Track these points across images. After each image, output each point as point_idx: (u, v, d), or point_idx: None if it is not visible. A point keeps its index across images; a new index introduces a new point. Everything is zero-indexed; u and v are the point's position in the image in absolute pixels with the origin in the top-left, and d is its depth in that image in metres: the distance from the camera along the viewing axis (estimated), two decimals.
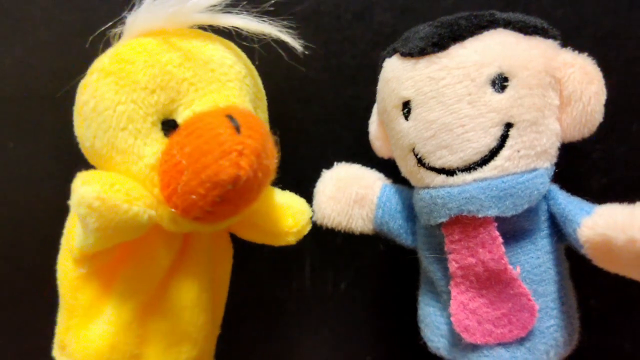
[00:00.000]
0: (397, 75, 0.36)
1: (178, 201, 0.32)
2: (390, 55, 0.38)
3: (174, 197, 0.32)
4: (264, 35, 0.37)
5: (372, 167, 0.42)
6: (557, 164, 0.36)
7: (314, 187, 0.41)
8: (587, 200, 0.35)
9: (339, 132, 0.47)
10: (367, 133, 0.42)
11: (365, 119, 0.43)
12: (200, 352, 0.39)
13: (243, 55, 0.39)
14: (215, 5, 0.36)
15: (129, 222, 0.31)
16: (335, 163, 0.42)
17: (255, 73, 0.40)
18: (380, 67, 0.38)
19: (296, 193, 0.42)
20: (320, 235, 0.42)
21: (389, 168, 0.41)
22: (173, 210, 0.33)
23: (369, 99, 0.41)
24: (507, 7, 0.43)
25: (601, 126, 0.36)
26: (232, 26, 0.36)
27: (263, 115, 0.40)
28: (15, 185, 0.48)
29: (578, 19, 0.44)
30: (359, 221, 0.40)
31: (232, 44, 0.38)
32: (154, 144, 0.34)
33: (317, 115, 0.48)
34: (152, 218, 0.32)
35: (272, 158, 0.33)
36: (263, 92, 0.40)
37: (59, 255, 0.38)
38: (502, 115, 0.33)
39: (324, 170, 0.42)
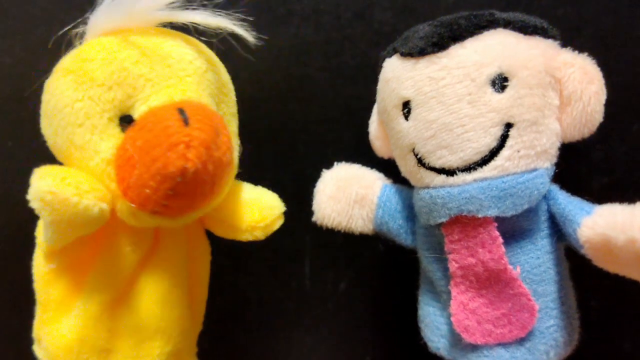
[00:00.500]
0: (397, 75, 0.36)
1: (133, 195, 0.33)
2: (390, 55, 0.37)
3: (129, 191, 0.33)
4: (220, 29, 0.37)
5: (372, 167, 0.42)
6: (557, 164, 0.36)
7: (314, 187, 0.41)
8: (588, 200, 0.35)
9: (339, 132, 0.47)
10: (367, 133, 0.42)
11: (365, 119, 0.43)
12: (176, 348, 0.39)
13: (207, 51, 0.39)
14: (173, 2, 0.36)
15: (81, 215, 0.32)
16: (335, 163, 0.42)
17: (221, 69, 0.39)
18: (381, 67, 0.38)
19: (296, 193, 0.42)
20: (320, 235, 0.42)
21: (389, 168, 0.41)
22: (131, 204, 0.33)
23: (369, 98, 0.41)
24: (508, 7, 0.43)
25: (601, 126, 0.36)
26: (190, 22, 0.37)
27: (229, 110, 0.40)
28: (14, 184, 0.48)
29: (578, 19, 0.44)
30: (359, 221, 0.40)
31: (195, 41, 0.39)
32: (111, 140, 0.34)
33: (317, 115, 0.47)
34: (104, 211, 0.33)
35: (225, 151, 0.33)
36: (229, 87, 0.40)
37: (35, 251, 0.39)
38: (502, 115, 0.33)
39: (324, 170, 0.42)
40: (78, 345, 0.36)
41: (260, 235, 0.40)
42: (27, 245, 0.42)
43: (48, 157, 0.41)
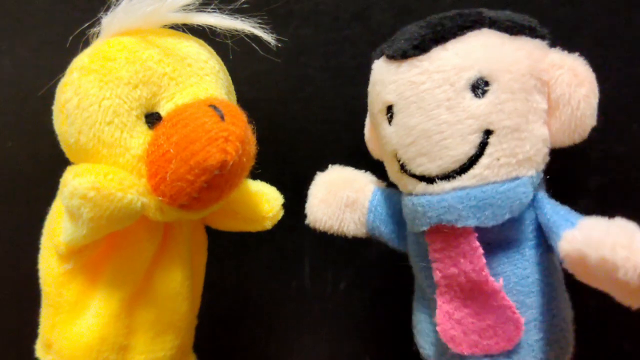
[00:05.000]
0: (382, 78, 0.35)
1: (166, 189, 0.33)
2: (378, 57, 0.37)
3: (162, 186, 0.34)
4: (237, 31, 0.38)
5: (372, 168, 0.42)
6: (555, 164, 0.35)
7: None
8: (586, 200, 0.35)
9: (339, 132, 0.47)
10: None
11: (364, 120, 0.43)
12: (183, 341, 0.40)
13: (214, 52, 0.40)
14: (188, 5, 0.37)
15: (123, 210, 0.32)
16: (334, 164, 0.42)
17: (225, 69, 0.41)
18: (371, 68, 0.38)
19: (296, 193, 0.42)
20: (320, 235, 0.42)
21: (385, 170, 0.41)
22: (160, 198, 0.34)
23: None
24: (508, 7, 0.43)
25: (600, 126, 0.35)
26: (206, 24, 0.38)
27: None
28: (14, 184, 0.48)
29: (578, 19, 0.43)
30: (351, 225, 0.40)
31: (203, 42, 0.40)
32: (140, 136, 0.35)
33: (317, 115, 0.48)
34: (145, 205, 0.34)
35: (252, 145, 0.35)
36: (232, 86, 0.41)
37: (40, 254, 0.39)
38: (481, 121, 0.32)
39: (318, 172, 0.41)
40: (99, 344, 0.36)
41: (268, 225, 0.42)
42: (28, 245, 0.42)
43: (48, 158, 0.41)
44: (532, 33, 0.34)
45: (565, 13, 0.44)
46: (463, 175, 0.32)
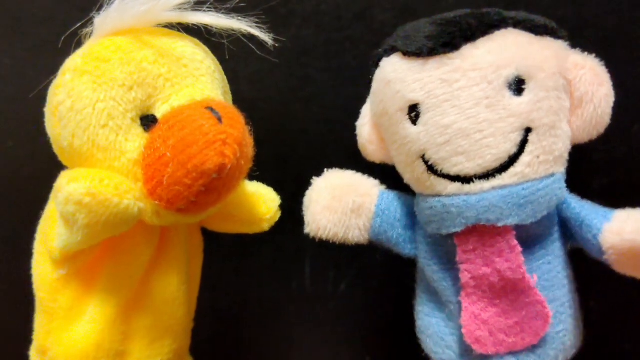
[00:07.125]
0: (401, 76, 0.34)
1: (163, 193, 0.33)
2: (388, 54, 0.36)
3: (159, 190, 0.33)
4: (234, 30, 0.38)
5: (372, 169, 0.41)
6: None
7: None
8: (590, 201, 0.35)
9: (339, 132, 0.47)
10: None
11: None
12: (180, 345, 0.40)
13: (209, 52, 0.39)
14: (183, 4, 0.36)
15: (120, 216, 0.31)
16: (335, 164, 0.42)
17: (221, 69, 0.40)
18: (375, 66, 0.37)
19: (296, 193, 0.42)
20: None
21: (386, 171, 0.41)
22: (157, 203, 0.33)
23: None
24: (508, 7, 0.43)
25: None
26: (201, 23, 0.37)
27: None
28: (15, 185, 0.48)
29: (578, 19, 0.44)
30: (356, 231, 0.39)
31: (198, 42, 0.39)
32: (135, 140, 0.34)
33: (317, 115, 0.47)
34: (142, 210, 0.33)
35: (250, 147, 0.34)
36: (228, 86, 0.41)
37: (33, 259, 0.38)
38: (523, 119, 0.32)
39: (324, 170, 0.41)
40: (95, 350, 0.36)
41: (266, 227, 0.41)
42: (27, 245, 0.42)
43: (48, 158, 0.41)
44: (555, 34, 0.35)
45: (566, 13, 0.44)
46: (503, 174, 0.32)
